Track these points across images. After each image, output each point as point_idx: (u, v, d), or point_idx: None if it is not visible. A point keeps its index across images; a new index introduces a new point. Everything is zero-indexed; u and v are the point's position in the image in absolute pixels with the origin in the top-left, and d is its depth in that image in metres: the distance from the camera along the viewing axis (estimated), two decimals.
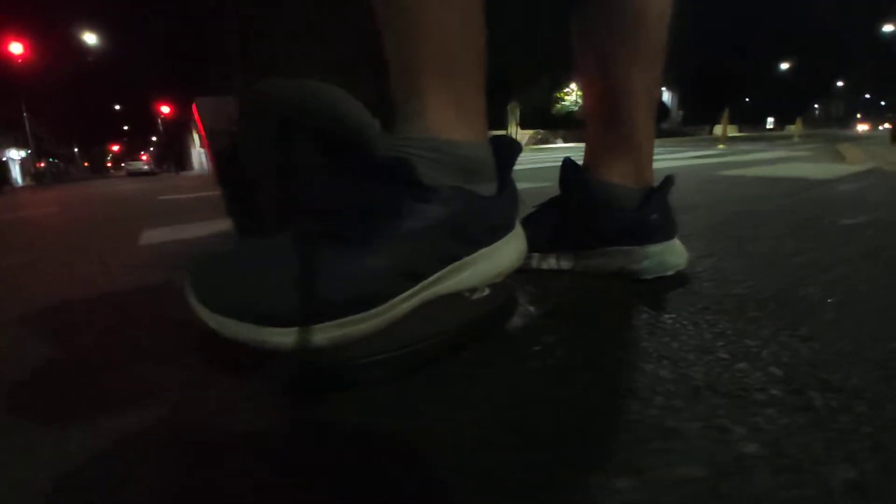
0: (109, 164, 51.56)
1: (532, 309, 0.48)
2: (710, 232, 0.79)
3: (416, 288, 0.36)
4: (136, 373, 0.40)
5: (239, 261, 0.34)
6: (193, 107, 0.75)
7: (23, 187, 15.61)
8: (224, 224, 0.68)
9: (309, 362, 0.34)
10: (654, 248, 0.53)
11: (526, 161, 4.55)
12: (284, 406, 0.33)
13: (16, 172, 24.52)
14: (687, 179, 1.79)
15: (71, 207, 2.86)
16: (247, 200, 0.57)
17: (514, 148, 0.42)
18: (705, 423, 0.27)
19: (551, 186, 0.61)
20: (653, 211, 0.54)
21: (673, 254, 0.54)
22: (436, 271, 0.36)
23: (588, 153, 0.58)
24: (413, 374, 0.36)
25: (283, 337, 0.32)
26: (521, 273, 0.59)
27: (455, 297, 0.39)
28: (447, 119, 0.37)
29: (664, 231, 0.54)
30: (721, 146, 5.72)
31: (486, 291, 0.41)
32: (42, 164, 26.42)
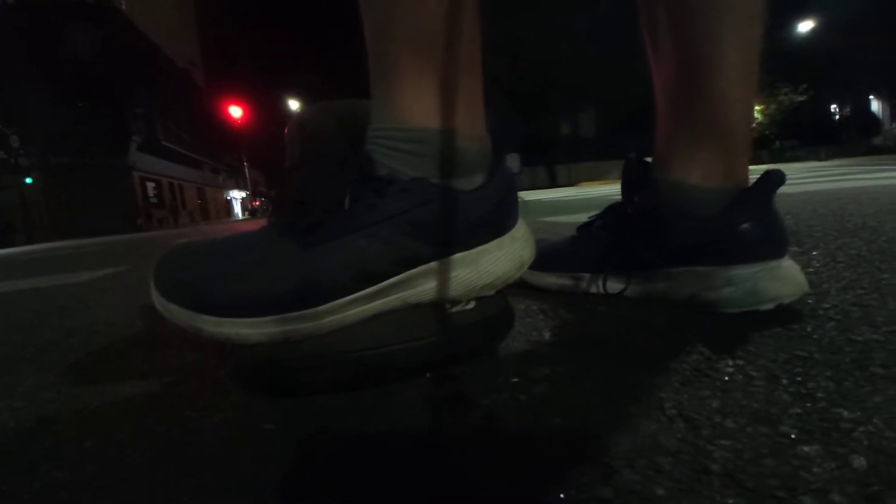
0: None
1: (547, 336, 0.38)
2: (877, 259, 0.56)
3: (369, 290, 0.31)
4: (167, 356, 0.44)
5: (201, 249, 0.34)
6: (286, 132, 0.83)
7: (241, 220, 19.84)
8: None
9: (242, 357, 0.32)
10: (741, 271, 0.39)
11: None
12: (226, 406, 0.32)
13: (237, 208, 31.47)
14: (879, 198, 1.36)
15: None
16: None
17: (508, 136, 0.35)
18: None
19: None
20: (745, 217, 0.39)
21: (774, 280, 0.38)
22: (394, 274, 0.31)
23: (657, 149, 0.46)
24: (364, 386, 0.31)
25: (216, 327, 0.30)
26: (565, 296, 0.50)
27: (429, 308, 0.33)
28: (422, 105, 0.33)
29: (763, 247, 0.39)
30: None
31: (471, 305, 0.34)
32: (257, 203, 33.22)
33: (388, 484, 0.22)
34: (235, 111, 24.22)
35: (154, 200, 15.66)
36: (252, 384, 0.32)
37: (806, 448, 0.21)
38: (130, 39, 14.99)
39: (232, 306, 0.30)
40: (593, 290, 0.49)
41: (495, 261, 0.33)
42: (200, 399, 0.33)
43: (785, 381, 0.27)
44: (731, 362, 0.30)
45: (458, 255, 0.32)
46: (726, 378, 0.28)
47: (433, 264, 0.32)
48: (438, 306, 0.33)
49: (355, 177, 0.31)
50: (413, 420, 0.27)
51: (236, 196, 32.01)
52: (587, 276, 0.49)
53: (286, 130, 0.78)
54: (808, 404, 0.25)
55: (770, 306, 0.38)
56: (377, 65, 0.33)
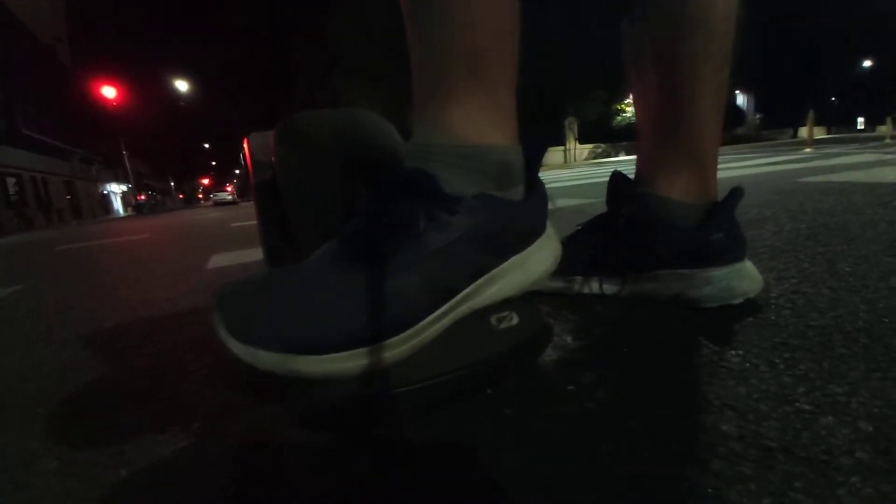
0: (200, 196, 57.01)
1: (569, 340, 0.43)
2: (791, 248, 0.69)
3: (447, 305, 0.33)
4: (177, 396, 0.41)
5: (267, 288, 0.33)
6: (245, 141, 0.79)
7: (124, 217, 17.58)
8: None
9: (323, 395, 0.32)
10: (718, 272, 0.46)
11: (582, 176, 4.40)
12: (300, 438, 0.32)
13: (117, 204, 27.79)
14: (761, 187, 1.62)
15: (159, 234, 3.17)
16: (283, 228, 0.57)
17: (541, 143, 0.38)
18: (777, 499, 0.22)
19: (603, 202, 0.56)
20: (716, 229, 0.47)
21: (742, 278, 0.47)
22: (467, 286, 0.34)
23: (642, 165, 0.53)
24: (432, 412, 0.33)
25: (316, 366, 0.30)
26: (560, 298, 0.55)
27: (481, 327, 0.36)
28: (476, 122, 0.35)
29: (731, 252, 0.47)
30: (808, 150, 5.19)
31: (515, 320, 0.37)
32: (142, 197, 29.51)
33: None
34: (109, 91, 21.21)
35: (15, 199, 13.25)
36: (329, 422, 0.32)
37: (823, 420, 0.28)
38: None
39: (326, 343, 0.30)
40: (585, 290, 0.54)
41: (540, 259, 0.38)
42: (245, 447, 0.32)
43: (782, 366, 0.34)
44: (733, 352, 0.37)
45: (512, 259, 0.36)
46: (738, 367, 0.35)
47: (494, 272, 0.35)
48: (487, 324, 0.36)
49: (423, 198, 0.33)
50: (504, 437, 0.30)
51: (115, 190, 28.19)
52: (579, 279, 0.54)
53: (245, 141, 0.74)
54: (808, 384, 0.32)
55: (740, 300, 0.46)
56: (428, 86, 0.35)
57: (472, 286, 0.34)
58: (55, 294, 1.10)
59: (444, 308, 0.33)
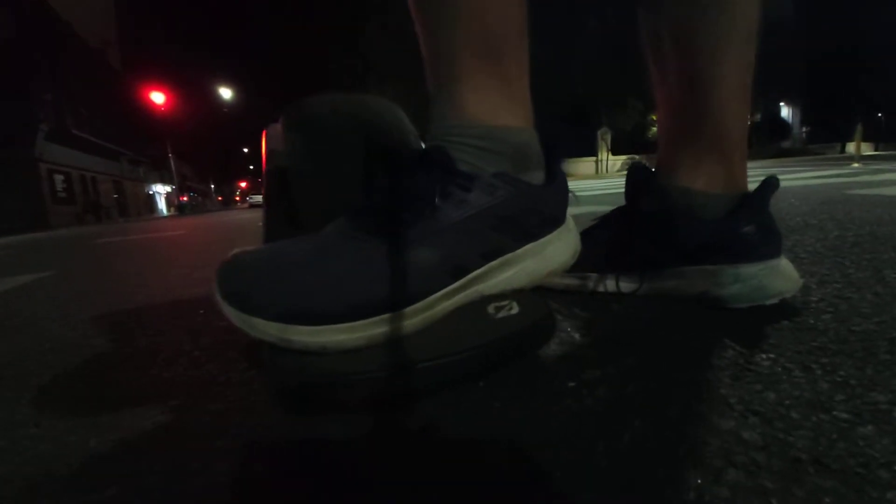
0: (237, 198, 59.13)
1: (577, 336, 0.39)
2: (834, 254, 0.63)
3: (458, 284, 0.32)
4: (165, 374, 0.40)
5: (270, 258, 0.31)
6: (263, 133, 0.79)
7: (166, 216, 18.39)
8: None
9: (310, 375, 0.30)
10: (748, 269, 0.42)
11: (613, 186, 4.30)
12: (285, 419, 0.30)
13: (161, 204, 29.11)
14: (807, 198, 1.52)
15: (194, 231, 3.28)
16: (291, 214, 0.56)
17: (562, 137, 0.37)
18: None
19: None
20: (747, 221, 0.42)
21: (776, 276, 0.42)
22: (479, 266, 0.32)
23: (663, 156, 0.49)
24: (422, 398, 0.30)
25: (312, 336, 0.29)
26: (573, 295, 0.51)
27: (476, 313, 0.33)
28: (490, 103, 0.34)
29: (764, 247, 0.43)
30: (856, 164, 4.90)
31: (515, 309, 0.34)
32: (185, 198, 30.71)
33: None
34: (158, 97, 22.28)
35: (62, 195, 14.05)
36: (310, 400, 0.31)
37: (862, 429, 0.24)
38: (41, 18, 13.23)
39: (328, 314, 0.29)
40: (600, 289, 0.50)
41: (557, 250, 0.36)
42: (219, 423, 0.30)
43: (819, 371, 0.30)
44: (763, 356, 0.33)
45: (528, 246, 0.34)
46: (767, 371, 0.30)
47: (507, 256, 0.33)
48: (483, 311, 0.33)
49: (438, 174, 0.31)
50: (495, 429, 0.27)
51: (160, 190, 29.56)
52: (594, 276, 0.51)
53: (264, 133, 0.73)
54: (847, 391, 0.27)
55: (774, 301, 0.42)
56: (442, 68, 0.35)
57: (485, 268, 0.33)
58: (80, 280, 1.14)
59: (455, 285, 0.31)
